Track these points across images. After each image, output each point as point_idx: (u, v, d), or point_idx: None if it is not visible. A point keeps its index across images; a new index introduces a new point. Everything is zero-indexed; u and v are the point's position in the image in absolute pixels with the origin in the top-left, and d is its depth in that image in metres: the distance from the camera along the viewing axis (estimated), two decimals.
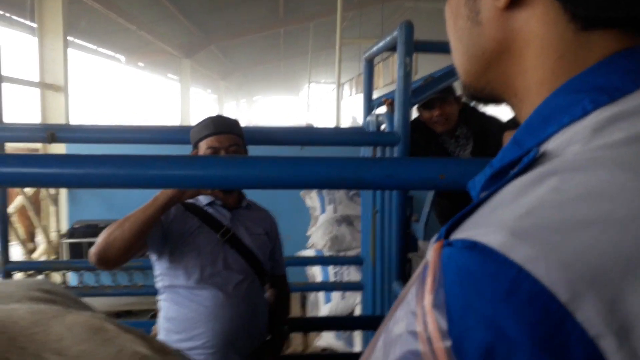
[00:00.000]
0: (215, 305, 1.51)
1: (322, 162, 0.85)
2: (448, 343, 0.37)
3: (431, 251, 0.42)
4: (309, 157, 0.84)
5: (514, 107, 0.52)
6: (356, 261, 2.87)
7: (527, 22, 0.47)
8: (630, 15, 0.44)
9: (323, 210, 3.93)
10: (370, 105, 2.63)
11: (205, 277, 1.53)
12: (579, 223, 0.36)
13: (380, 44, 2.24)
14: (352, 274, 3.30)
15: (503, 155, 0.48)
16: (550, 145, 0.43)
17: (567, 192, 0.38)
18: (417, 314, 0.40)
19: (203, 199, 1.64)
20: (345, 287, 2.85)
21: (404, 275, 1.94)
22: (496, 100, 0.55)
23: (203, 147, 1.59)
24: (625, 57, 0.44)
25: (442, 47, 2.16)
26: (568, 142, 0.42)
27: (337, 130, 2.69)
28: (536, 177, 0.41)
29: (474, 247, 0.38)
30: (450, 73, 2.07)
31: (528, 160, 0.43)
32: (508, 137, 1.66)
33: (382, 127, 2.20)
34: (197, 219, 1.60)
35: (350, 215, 3.76)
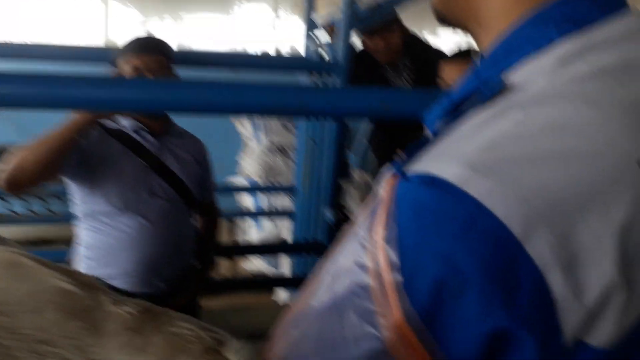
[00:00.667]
0: (137, 232, 1.46)
1: (264, 89, 0.78)
2: (399, 277, 0.35)
3: (384, 184, 0.39)
4: (251, 84, 0.78)
5: (475, 36, 0.50)
6: (288, 190, 2.87)
7: None
8: None
9: (256, 138, 3.85)
10: (310, 30, 2.52)
11: (128, 203, 1.46)
12: (541, 157, 0.35)
13: None
14: (285, 202, 3.31)
15: (462, 86, 0.45)
16: (514, 77, 0.41)
17: (531, 126, 0.36)
18: (367, 247, 0.38)
19: (129, 125, 1.52)
20: (276, 214, 2.86)
21: (337, 203, 1.96)
22: (462, 26, 0.51)
23: (125, 67, 1.45)
24: None
25: None
26: (532, 75, 0.40)
27: (274, 56, 2.57)
28: (500, 110, 0.38)
29: (431, 182, 0.36)
30: (395, 0, 1.99)
31: (491, 92, 0.40)
32: (449, 69, 1.64)
33: (323, 53, 2.12)
34: (121, 145, 1.49)
35: (285, 144, 3.72)
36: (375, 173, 2.87)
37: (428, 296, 0.34)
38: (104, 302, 0.43)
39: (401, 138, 1.83)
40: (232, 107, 0.81)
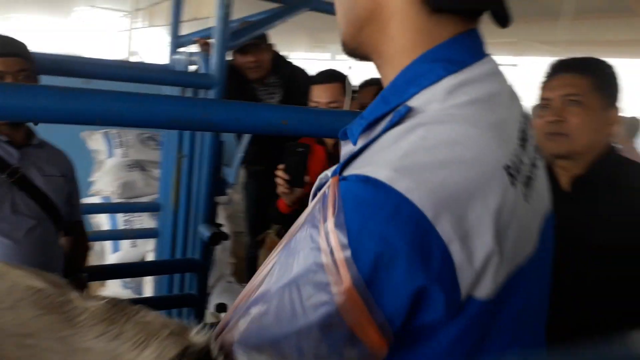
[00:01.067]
0: (2, 254, 1.34)
1: (140, 99, 0.81)
2: (348, 253, 0.46)
3: (329, 184, 0.50)
4: (123, 92, 0.78)
5: (379, 67, 0.63)
6: (153, 207, 2.78)
7: None
8: (467, 7, 0.57)
9: (110, 154, 3.63)
10: (177, 42, 2.51)
11: None
12: (441, 163, 0.49)
13: None
14: (144, 221, 3.18)
15: (372, 110, 0.59)
16: (414, 103, 0.55)
17: (432, 139, 0.50)
18: (320, 233, 0.48)
19: None
20: (139, 234, 2.74)
21: (212, 220, 1.99)
22: (367, 59, 0.64)
23: None
24: (467, 37, 0.58)
25: None
26: (428, 101, 0.54)
27: (142, 66, 2.49)
28: (408, 127, 0.52)
29: (367, 181, 0.47)
30: (266, 20, 2.11)
31: (400, 115, 0.53)
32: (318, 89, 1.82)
33: (193, 67, 2.14)
34: None
35: (143, 160, 3.57)
36: (245, 187, 2.94)
37: (369, 266, 0.46)
38: (74, 298, 0.45)
39: (271, 152, 1.95)
40: (105, 117, 0.78)
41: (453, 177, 0.49)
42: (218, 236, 1.88)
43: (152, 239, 2.89)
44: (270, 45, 2.40)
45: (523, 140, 0.57)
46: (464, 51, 0.57)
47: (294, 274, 0.48)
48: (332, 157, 1.96)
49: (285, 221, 1.95)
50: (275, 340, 0.48)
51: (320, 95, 1.86)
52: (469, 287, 0.49)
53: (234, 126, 0.87)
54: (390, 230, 0.46)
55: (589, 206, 1.13)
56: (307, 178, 1.72)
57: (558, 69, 1.21)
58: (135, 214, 3.15)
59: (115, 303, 0.47)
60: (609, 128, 1.16)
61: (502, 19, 0.58)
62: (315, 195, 0.58)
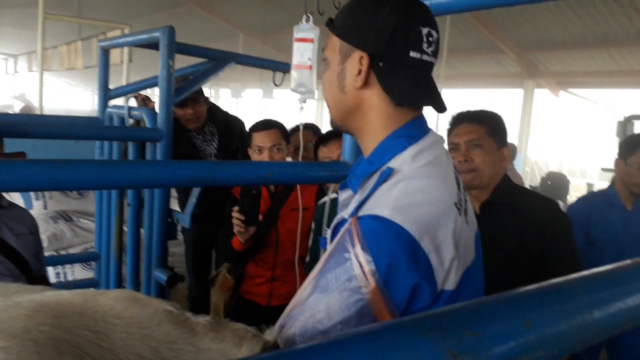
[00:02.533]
0: None
1: (100, 164, 1.02)
2: (372, 265, 0.71)
3: (350, 222, 0.75)
4: (84, 160, 0.94)
5: (359, 139, 0.91)
6: (90, 257, 2.79)
7: (370, 96, 0.86)
8: (419, 104, 0.87)
9: (29, 207, 3.53)
10: (106, 95, 2.61)
11: None
12: (418, 204, 0.77)
13: (129, 39, 2.30)
14: (76, 272, 3.14)
15: (363, 170, 0.86)
16: (392, 164, 0.82)
17: (410, 188, 0.78)
18: (351, 254, 0.72)
19: None
20: (77, 285, 2.73)
21: (165, 263, 2.11)
22: (350, 133, 0.92)
23: None
24: (418, 120, 0.88)
25: (201, 52, 2.40)
26: (401, 164, 0.83)
27: (87, 122, 2.54)
28: (394, 182, 0.80)
29: (376, 218, 0.74)
30: (202, 75, 2.32)
31: (386, 174, 0.80)
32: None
33: (131, 121, 2.27)
34: None
35: (67, 210, 3.52)
36: (184, 230, 3.03)
37: (385, 271, 0.71)
38: (189, 316, 0.65)
39: (205, 198, 2.13)
40: (74, 183, 0.90)
41: (427, 212, 0.76)
42: (175, 278, 2.01)
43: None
44: (206, 98, 2.61)
45: (458, 184, 0.87)
46: (418, 129, 0.86)
47: (336, 284, 0.72)
48: (273, 196, 2.19)
49: (239, 259, 2.13)
50: (326, 331, 0.71)
51: (263, 141, 2.10)
52: (441, 283, 0.76)
53: (232, 181, 1.08)
54: (396, 247, 0.72)
55: (493, 222, 1.49)
56: (260, 217, 1.94)
57: (460, 120, 1.59)
58: (67, 265, 3.11)
59: (212, 318, 0.67)
60: (504, 162, 1.55)
61: (440, 109, 0.88)
62: (333, 232, 0.82)
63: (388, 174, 0.81)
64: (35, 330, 0.49)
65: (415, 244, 0.73)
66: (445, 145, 0.92)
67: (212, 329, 0.65)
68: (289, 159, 2.51)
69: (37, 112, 5.13)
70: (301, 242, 2.09)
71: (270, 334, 0.71)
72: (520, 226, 1.46)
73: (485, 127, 1.53)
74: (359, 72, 0.84)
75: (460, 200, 0.83)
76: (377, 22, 0.81)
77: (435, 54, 0.84)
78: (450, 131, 1.62)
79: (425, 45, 0.82)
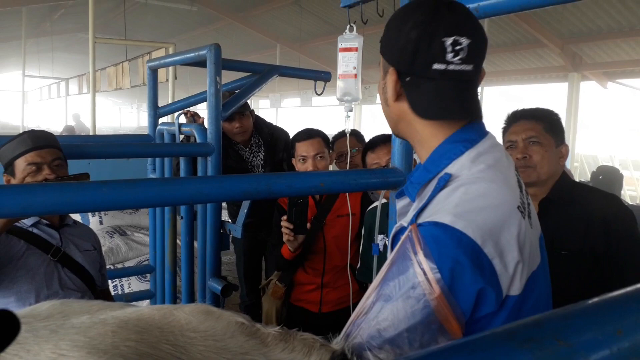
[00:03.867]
0: None
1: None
2: (436, 272, 0.70)
3: (410, 229, 0.75)
4: (151, 179, 0.97)
5: (415, 147, 0.91)
6: (146, 270, 2.89)
7: (406, 109, 0.87)
8: (440, 117, 0.85)
9: (86, 223, 3.69)
10: (156, 113, 2.71)
11: (42, 300, 1.45)
12: (479, 209, 0.75)
13: (177, 58, 2.38)
14: (133, 284, 3.26)
15: (420, 177, 0.86)
16: (449, 170, 0.81)
17: (471, 194, 0.77)
18: (413, 262, 0.72)
19: (26, 220, 1.53)
20: (135, 298, 2.83)
21: (219, 273, 2.16)
22: (407, 140, 0.92)
23: (21, 165, 1.48)
24: (473, 124, 0.86)
25: (245, 67, 2.46)
26: (460, 169, 0.82)
27: (139, 140, 2.65)
28: (453, 187, 0.79)
29: (436, 225, 0.73)
30: (247, 89, 2.37)
31: (444, 180, 0.80)
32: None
33: (181, 137, 2.35)
34: (23, 242, 1.49)
35: (121, 225, 3.66)
36: (234, 240, 3.10)
37: (449, 278, 0.70)
38: (259, 327, 0.66)
39: (255, 206, 2.17)
40: (140, 202, 0.93)
41: (489, 217, 0.75)
42: (229, 287, 2.05)
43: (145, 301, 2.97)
44: (252, 112, 2.67)
45: (520, 187, 0.85)
46: (474, 133, 0.85)
47: (398, 292, 0.72)
48: (318, 204, 2.21)
49: (289, 266, 2.16)
50: (392, 339, 0.71)
51: (307, 150, 2.12)
52: (506, 288, 0.75)
53: (286, 192, 1.10)
54: (459, 254, 0.72)
55: (554, 220, 1.45)
56: (308, 225, 1.96)
57: (517, 117, 1.57)
58: (124, 279, 3.23)
59: (281, 329, 0.68)
60: (562, 160, 1.52)
61: (471, 117, 0.86)
62: (393, 240, 0.83)
63: (446, 180, 0.80)
64: (123, 346, 0.52)
65: (478, 250, 0.72)
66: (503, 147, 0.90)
67: (282, 339, 0.67)
68: (332, 167, 2.53)
69: (89, 132, 5.38)
70: (350, 247, 2.10)
71: (337, 343, 0.72)
72: (583, 223, 1.42)
73: (543, 124, 1.51)
74: (393, 86, 0.87)
75: (523, 204, 0.82)
76: (400, 39, 0.83)
77: (468, 60, 0.81)
78: (506, 129, 1.60)
79: (450, 56, 0.79)
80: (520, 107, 1.61)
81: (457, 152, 0.83)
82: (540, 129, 1.51)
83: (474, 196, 0.77)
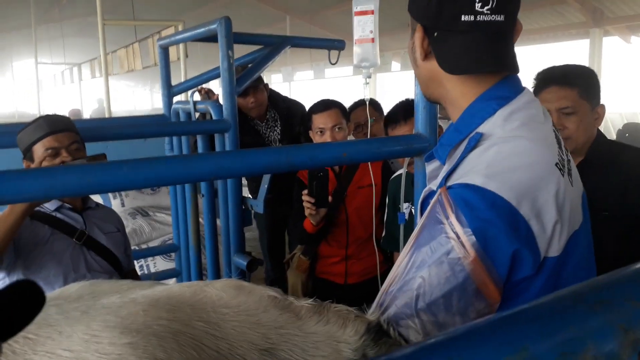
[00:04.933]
0: None
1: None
2: (470, 234, 0.67)
3: (439, 192, 0.72)
4: (168, 157, 0.92)
5: (446, 108, 0.87)
6: (171, 249, 2.92)
7: (436, 67, 0.82)
8: (471, 72, 0.79)
9: (107, 205, 3.74)
10: (170, 93, 2.68)
11: (71, 283, 1.47)
12: (513, 168, 0.72)
13: (187, 35, 2.34)
14: (158, 263, 3.30)
15: (450, 139, 0.82)
16: (481, 129, 0.77)
17: (504, 153, 0.73)
18: (445, 226, 0.69)
19: (49, 205, 1.54)
20: (161, 277, 2.87)
21: (243, 249, 2.16)
22: (438, 103, 0.88)
23: (40, 150, 1.48)
24: (508, 80, 0.82)
25: (257, 39, 2.41)
26: (492, 128, 0.77)
27: (159, 121, 2.64)
28: (485, 147, 0.75)
29: (467, 186, 0.69)
30: (260, 63, 2.33)
31: (475, 140, 0.76)
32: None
33: (197, 115, 2.33)
34: (48, 227, 1.50)
35: (143, 206, 3.69)
36: (256, 215, 3.11)
37: (483, 240, 0.67)
38: (292, 300, 0.65)
39: (276, 181, 2.15)
40: (163, 179, 0.91)
41: (524, 176, 0.72)
42: (254, 262, 2.05)
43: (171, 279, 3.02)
44: (266, 85, 2.62)
45: (559, 144, 0.81)
46: (508, 90, 0.81)
47: (432, 258, 0.70)
48: (338, 176, 2.18)
49: (312, 240, 2.15)
50: (427, 307, 0.69)
51: (325, 122, 2.08)
52: (544, 250, 0.71)
53: (309, 164, 1.08)
54: (492, 215, 0.69)
55: (594, 182, 1.40)
56: (329, 198, 1.93)
57: (548, 82, 1.46)
58: (149, 258, 3.27)
59: (314, 301, 0.67)
60: (597, 121, 1.44)
61: (509, 69, 0.81)
62: (422, 204, 0.80)
63: (477, 140, 0.76)
64: (155, 325, 0.51)
65: (513, 211, 0.69)
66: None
67: (316, 312, 0.65)
68: (350, 137, 2.49)
69: (105, 115, 5.40)
70: (373, 218, 2.08)
71: (372, 314, 0.70)
72: (622, 184, 1.37)
73: (577, 89, 1.40)
74: (420, 44, 0.83)
75: (562, 160, 0.77)
76: None
77: (498, 10, 0.75)
78: (536, 93, 1.48)
79: (479, 5, 0.75)
80: (549, 66, 1.50)
81: (489, 111, 0.79)
82: (575, 95, 1.40)
83: (508, 155, 0.73)
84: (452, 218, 0.69)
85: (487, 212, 0.69)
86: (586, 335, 0.26)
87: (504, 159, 0.73)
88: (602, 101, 1.48)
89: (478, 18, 0.75)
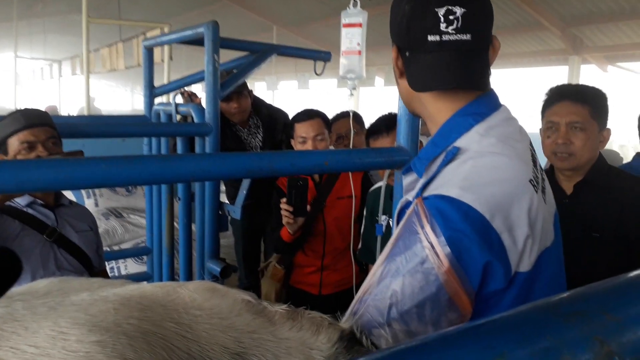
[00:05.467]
0: None
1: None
2: (444, 245, 0.68)
3: (416, 203, 0.72)
4: (148, 156, 0.93)
5: (428, 125, 0.88)
6: (143, 252, 2.86)
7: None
8: (436, 89, 0.82)
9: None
10: (152, 94, 2.65)
11: None
12: (488, 182, 0.73)
13: (173, 36, 2.33)
14: (129, 266, 3.24)
15: (427, 153, 0.83)
16: (458, 144, 0.79)
17: (480, 167, 0.74)
18: (421, 236, 0.70)
19: (21, 200, 1.50)
20: (132, 279, 2.80)
21: (218, 255, 2.13)
22: (419, 117, 0.90)
23: (15, 144, 1.45)
24: (485, 96, 0.84)
25: (243, 45, 2.40)
26: (469, 143, 0.79)
27: (136, 120, 2.60)
28: (461, 161, 0.76)
29: (444, 198, 0.70)
30: (246, 69, 2.32)
31: (452, 154, 0.77)
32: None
33: (178, 117, 2.30)
34: (18, 222, 1.45)
35: (117, 207, 3.63)
36: (233, 221, 3.08)
37: (457, 250, 0.68)
38: (267, 305, 0.64)
39: (255, 188, 2.14)
40: (140, 178, 0.91)
41: (498, 190, 0.73)
42: (228, 269, 2.03)
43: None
44: (250, 92, 2.62)
45: (534, 162, 0.82)
46: (484, 106, 0.82)
47: (406, 267, 0.70)
48: (318, 186, 2.18)
49: (289, 249, 2.13)
50: (400, 316, 0.69)
51: (307, 131, 2.08)
52: (516, 264, 0.73)
53: (290, 170, 1.07)
54: (466, 227, 0.69)
55: (589, 203, 1.42)
56: (308, 207, 1.93)
57: (562, 96, 1.47)
58: (120, 260, 3.21)
59: (288, 307, 0.66)
60: (602, 144, 1.46)
61: (473, 87, 0.82)
62: (399, 215, 0.80)
63: (454, 153, 0.78)
64: (125, 324, 0.49)
65: (486, 224, 0.70)
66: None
67: (290, 318, 0.64)
68: (331, 148, 2.49)
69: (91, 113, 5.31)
70: (351, 229, 2.08)
71: (345, 322, 0.69)
72: (617, 209, 1.38)
73: (589, 107, 1.41)
74: (395, 63, 0.87)
75: (536, 177, 0.79)
76: (398, 14, 0.83)
77: (464, 29, 0.78)
78: (548, 106, 1.50)
79: (443, 26, 0.78)
80: (565, 83, 1.52)
81: (466, 126, 0.80)
82: (586, 114, 1.41)
83: (483, 169, 0.75)
84: (427, 228, 0.70)
85: (461, 223, 0.69)
86: (562, 345, 0.26)
87: (480, 173, 0.74)
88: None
89: (444, 38, 0.78)
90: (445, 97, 0.83)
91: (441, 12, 0.78)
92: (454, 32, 0.78)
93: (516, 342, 0.25)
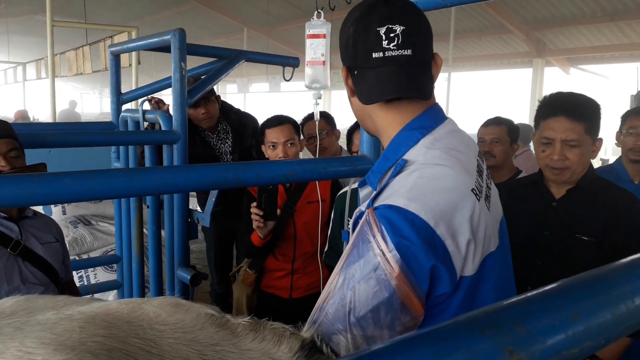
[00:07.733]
0: None
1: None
2: (394, 252, 0.73)
3: (367, 212, 0.76)
4: (114, 170, 0.95)
5: (380, 138, 0.92)
6: (112, 260, 2.83)
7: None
8: (380, 100, 0.87)
9: (48, 213, 3.59)
10: (119, 100, 2.63)
11: (3, 296, 1.40)
12: (433, 192, 0.78)
13: (140, 43, 2.32)
14: (99, 274, 3.19)
15: (380, 166, 0.87)
16: (406, 157, 0.83)
17: (425, 177, 0.79)
18: (372, 244, 0.74)
19: None
20: (102, 288, 2.78)
21: (187, 262, 2.14)
22: (374, 135, 0.95)
23: None
24: (430, 110, 0.89)
25: (211, 52, 2.41)
26: (415, 155, 0.84)
27: (102, 128, 2.56)
28: (408, 172, 0.81)
29: (391, 207, 0.75)
30: (214, 75, 2.33)
31: (400, 166, 0.82)
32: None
33: (145, 124, 2.29)
34: None
35: (85, 214, 3.57)
36: (204, 228, 3.07)
37: (405, 256, 0.72)
38: (229, 318, 0.66)
39: (225, 195, 2.15)
40: (105, 193, 0.91)
41: (442, 199, 0.78)
42: (198, 277, 2.04)
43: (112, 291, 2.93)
44: (218, 97, 2.63)
45: (479, 172, 0.88)
46: (429, 120, 0.88)
47: (360, 275, 0.74)
48: (288, 191, 2.21)
49: (259, 253, 2.16)
50: (357, 321, 0.73)
51: (277, 137, 2.11)
52: (460, 269, 0.77)
53: (256, 181, 1.10)
54: (412, 234, 0.74)
55: (579, 207, 1.47)
56: (278, 212, 1.96)
57: (558, 111, 1.46)
58: (89, 269, 3.16)
59: (251, 319, 0.69)
60: (593, 154, 1.49)
61: (417, 95, 0.87)
62: (354, 224, 0.84)
63: (402, 165, 0.83)
64: (90, 342, 0.51)
65: (430, 231, 0.75)
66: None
67: (252, 329, 0.67)
68: (301, 155, 2.53)
69: (80, 119, 5.18)
70: (320, 234, 2.11)
71: (306, 331, 0.72)
72: (605, 215, 1.43)
73: (584, 124, 1.43)
74: (345, 82, 0.93)
75: (479, 187, 0.84)
76: (344, 38, 0.90)
77: (405, 45, 0.84)
78: (543, 117, 1.50)
79: (385, 43, 0.84)
80: (558, 91, 1.52)
81: (413, 140, 0.86)
82: (582, 130, 1.42)
83: (428, 180, 0.79)
84: (378, 236, 0.74)
85: (407, 231, 0.74)
86: (475, 357, 0.29)
87: (425, 183, 0.79)
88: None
89: (387, 54, 0.84)
90: (393, 110, 0.89)
91: (382, 30, 0.84)
92: (395, 48, 0.84)
93: (433, 355, 0.28)
